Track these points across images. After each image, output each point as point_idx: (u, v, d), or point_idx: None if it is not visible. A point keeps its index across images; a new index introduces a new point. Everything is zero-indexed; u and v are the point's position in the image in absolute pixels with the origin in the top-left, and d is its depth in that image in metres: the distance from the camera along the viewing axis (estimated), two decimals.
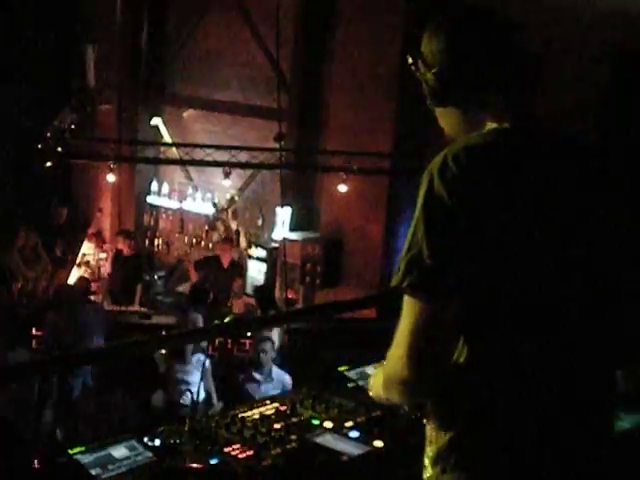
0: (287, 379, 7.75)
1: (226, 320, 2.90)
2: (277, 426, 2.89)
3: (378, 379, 2.14)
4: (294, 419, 2.96)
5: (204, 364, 7.72)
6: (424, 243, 1.84)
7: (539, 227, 1.87)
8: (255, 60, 12.64)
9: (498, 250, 1.84)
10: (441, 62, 2.06)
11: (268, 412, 3.00)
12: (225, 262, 11.74)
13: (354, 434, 2.85)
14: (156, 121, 13.93)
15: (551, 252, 1.88)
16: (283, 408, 3.04)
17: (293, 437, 2.80)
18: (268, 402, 3.09)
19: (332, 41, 11.40)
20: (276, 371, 7.81)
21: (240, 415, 2.95)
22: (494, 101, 2.03)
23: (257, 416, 2.96)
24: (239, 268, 12.00)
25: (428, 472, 2.02)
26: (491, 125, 2.02)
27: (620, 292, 2.01)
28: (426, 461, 2.04)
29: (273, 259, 11.87)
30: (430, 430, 2.02)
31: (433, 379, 1.91)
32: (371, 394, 2.26)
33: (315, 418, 2.95)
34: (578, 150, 2.03)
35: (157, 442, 2.68)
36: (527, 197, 1.87)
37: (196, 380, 7.32)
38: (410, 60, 2.15)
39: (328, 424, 2.90)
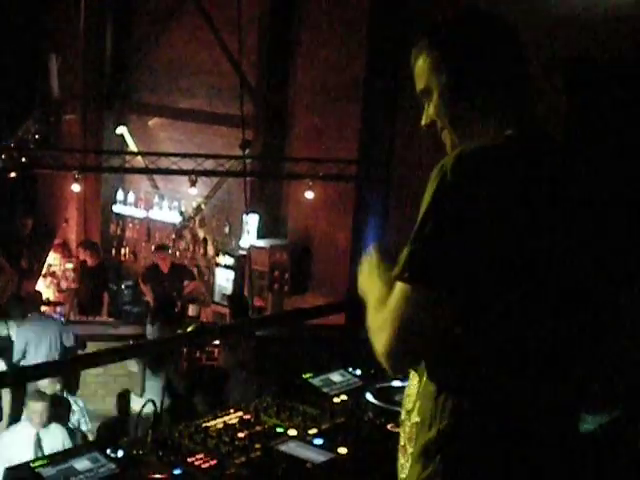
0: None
1: (189, 329, 2.88)
2: (241, 435, 2.88)
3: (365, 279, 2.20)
4: (258, 427, 2.95)
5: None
6: (432, 236, 1.87)
7: (547, 231, 1.92)
8: (220, 68, 12.62)
9: (504, 249, 1.88)
10: (466, 50, 2.08)
11: (232, 421, 2.99)
12: (164, 269, 11.69)
13: (318, 441, 2.85)
14: (121, 130, 13.89)
15: (555, 258, 1.93)
16: (247, 417, 3.04)
17: (257, 446, 2.80)
18: (232, 411, 3.09)
19: (297, 47, 11.42)
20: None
21: (203, 425, 2.94)
22: (500, 106, 2.08)
23: (221, 425, 2.95)
24: (183, 271, 11.94)
25: (406, 471, 2.04)
26: (496, 131, 2.05)
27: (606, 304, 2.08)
28: (404, 459, 2.06)
29: (241, 267, 11.85)
30: (411, 428, 2.04)
31: (410, 362, 2.02)
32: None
33: (279, 426, 2.95)
34: (573, 157, 2.08)
35: (120, 453, 2.67)
36: (538, 201, 1.91)
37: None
38: (428, 45, 2.12)
39: (292, 432, 2.90)
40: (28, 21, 13.88)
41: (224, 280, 12.09)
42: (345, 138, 10.80)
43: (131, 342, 7.80)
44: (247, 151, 11.58)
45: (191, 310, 11.66)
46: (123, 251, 13.62)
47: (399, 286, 1.89)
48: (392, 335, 1.88)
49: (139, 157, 12.77)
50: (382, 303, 1.97)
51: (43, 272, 13.50)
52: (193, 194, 12.16)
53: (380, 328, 1.93)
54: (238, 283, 11.77)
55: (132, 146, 13.91)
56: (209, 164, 11.00)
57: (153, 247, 12.60)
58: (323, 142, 10.98)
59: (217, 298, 12.11)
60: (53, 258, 13.86)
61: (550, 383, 1.97)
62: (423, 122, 2.18)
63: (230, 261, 12.09)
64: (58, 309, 11.88)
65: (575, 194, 2.00)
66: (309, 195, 10.74)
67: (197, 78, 13.07)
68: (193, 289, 12.01)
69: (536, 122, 2.12)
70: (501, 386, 1.93)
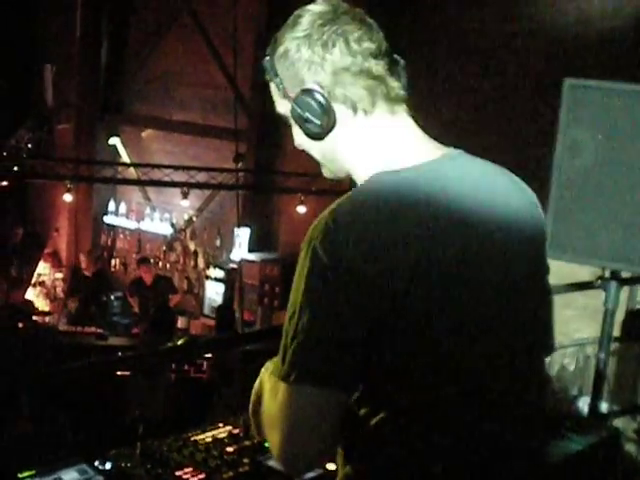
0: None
1: (180, 342, 2.88)
2: (230, 449, 2.87)
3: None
4: (247, 442, 2.94)
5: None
6: (314, 329, 1.58)
7: (445, 296, 1.64)
8: (215, 81, 12.64)
9: (394, 321, 1.60)
10: (310, 68, 1.77)
11: (221, 435, 2.98)
12: (148, 282, 11.69)
13: None
14: (114, 141, 13.89)
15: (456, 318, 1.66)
16: (236, 431, 3.02)
17: (246, 460, 2.79)
18: (221, 425, 3.08)
19: None
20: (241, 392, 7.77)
21: (192, 438, 2.93)
22: (374, 121, 1.78)
23: (210, 439, 2.94)
24: (166, 284, 11.93)
25: None
26: (373, 164, 1.77)
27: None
28: None
29: (231, 280, 11.84)
30: None
31: (308, 464, 1.75)
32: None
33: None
34: (482, 186, 1.77)
35: (108, 466, 2.65)
36: (423, 261, 1.60)
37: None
38: (272, 79, 1.87)
39: None
40: (23, 29, 13.89)
41: (214, 293, 12.08)
42: None
43: (120, 354, 7.77)
44: (240, 164, 11.59)
45: (180, 322, 11.63)
46: (113, 262, 13.60)
47: (281, 386, 1.62)
48: (282, 438, 1.64)
49: (131, 168, 12.77)
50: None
51: (32, 281, 13.46)
52: (185, 206, 12.17)
53: (271, 426, 1.70)
54: (228, 296, 11.76)
55: (125, 157, 13.90)
56: (202, 177, 11.01)
57: (136, 260, 12.60)
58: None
59: (207, 311, 12.10)
60: (43, 267, 13.83)
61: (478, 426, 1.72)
62: (296, 145, 1.90)
63: (220, 274, 12.08)
64: (47, 319, 11.85)
65: (477, 223, 1.70)
66: (301, 210, 10.76)
67: (191, 90, 13.09)
68: (177, 303, 12.01)
69: (414, 139, 1.79)
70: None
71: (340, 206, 1.65)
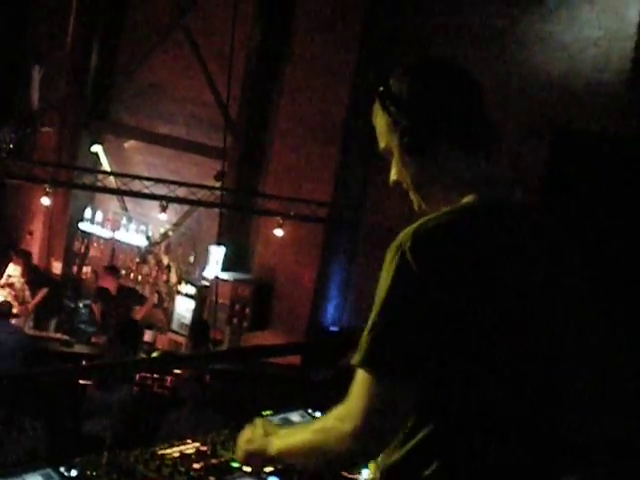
0: (208, 419, 7.65)
1: (154, 355, 2.86)
2: (196, 466, 2.84)
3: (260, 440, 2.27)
4: (214, 460, 2.91)
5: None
6: (392, 323, 1.80)
7: (509, 318, 1.84)
8: (202, 97, 12.65)
9: (466, 335, 1.81)
10: (418, 106, 1.98)
11: (188, 451, 2.95)
12: (112, 290, 11.65)
13: (274, 479, 2.82)
14: (96, 148, 13.84)
15: (515, 343, 1.87)
16: (204, 448, 3.00)
17: (212, 478, 2.77)
18: (189, 441, 3.05)
19: (281, 85, 11.48)
20: (197, 411, 7.70)
21: (160, 452, 2.90)
22: (460, 169, 1.99)
23: (177, 454, 2.91)
24: (131, 295, 11.89)
25: None
26: (458, 198, 1.97)
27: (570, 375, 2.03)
28: None
29: (202, 297, 11.80)
30: None
31: (377, 453, 1.93)
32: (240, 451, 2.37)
33: (235, 461, 2.92)
34: (546, 229, 2.02)
35: (74, 473, 2.62)
36: (499, 284, 1.83)
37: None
38: (381, 105, 2.05)
39: (248, 468, 2.87)
40: (14, 28, 13.85)
41: (184, 309, 12.01)
42: (320, 180, 10.84)
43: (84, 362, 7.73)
44: (221, 182, 11.58)
45: (147, 336, 11.55)
46: (85, 269, 13.50)
47: (362, 375, 1.83)
48: (362, 423, 1.82)
49: (111, 177, 12.72)
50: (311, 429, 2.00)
51: (1, 283, 13.31)
52: (162, 220, 12.12)
53: (342, 420, 1.87)
54: (198, 313, 11.70)
55: (106, 165, 13.85)
56: (181, 191, 10.98)
57: (145, 269, 12.59)
58: (297, 181, 11.01)
59: (175, 326, 12.02)
60: (13, 269, 13.68)
61: (524, 449, 1.91)
62: (391, 180, 2.10)
63: (192, 290, 12.02)
64: (13, 321, 11.72)
65: (542, 262, 1.93)
66: (279, 233, 10.75)
67: (178, 105, 13.08)
68: (145, 316, 11.94)
69: (500, 185, 2.03)
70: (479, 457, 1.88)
71: (433, 221, 1.86)
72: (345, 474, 2.92)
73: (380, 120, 2.06)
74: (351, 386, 1.87)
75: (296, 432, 2.13)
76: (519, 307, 1.85)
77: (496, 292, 1.82)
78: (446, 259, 1.79)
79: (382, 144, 2.08)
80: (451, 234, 1.83)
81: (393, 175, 2.08)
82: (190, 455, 2.93)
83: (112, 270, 12.11)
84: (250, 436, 2.35)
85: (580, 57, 8.94)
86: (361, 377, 1.83)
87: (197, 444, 3.03)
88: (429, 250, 1.80)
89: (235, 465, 2.89)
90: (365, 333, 1.82)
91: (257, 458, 2.33)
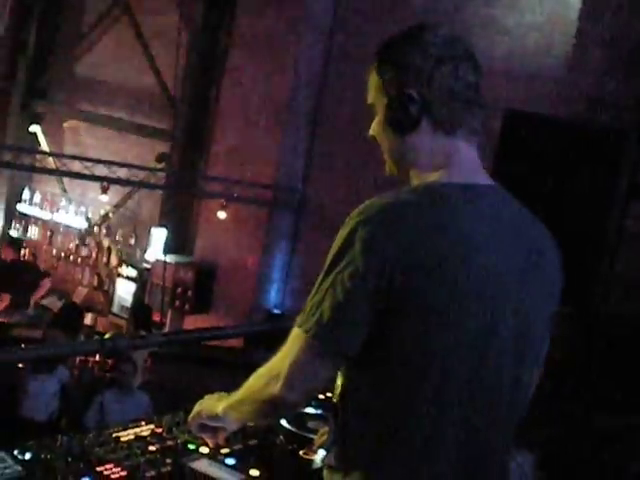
0: (146, 401, 7.60)
1: (106, 336, 2.82)
2: (152, 448, 2.81)
3: (210, 401, 2.37)
4: (170, 442, 2.89)
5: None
6: (335, 292, 1.81)
7: (468, 300, 1.81)
8: (143, 78, 12.51)
9: (409, 316, 1.80)
10: (412, 81, 1.94)
11: (143, 433, 2.92)
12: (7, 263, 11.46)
13: (230, 461, 2.81)
14: (35, 128, 13.61)
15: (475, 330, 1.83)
16: (159, 430, 2.97)
17: (168, 460, 2.74)
18: (144, 423, 3.02)
19: (224, 66, 11.39)
20: (137, 393, 7.65)
21: (114, 435, 2.87)
22: (442, 139, 1.96)
23: (132, 437, 2.88)
24: (26, 269, 11.69)
25: None
26: (427, 175, 1.96)
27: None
28: None
29: (143, 280, 11.70)
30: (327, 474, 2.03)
31: (303, 400, 2.00)
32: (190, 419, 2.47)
33: (191, 442, 2.89)
34: (509, 211, 1.98)
35: (27, 456, 2.58)
36: (447, 267, 1.78)
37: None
38: (376, 67, 2.02)
39: (204, 449, 2.85)
40: None
41: (125, 292, 11.91)
42: (264, 162, 10.80)
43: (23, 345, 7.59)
44: (163, 164, 11.47)
45: (88, 319, 11.42)
46: (23, 252, 13.28)
47: (297, 333, 1.89)
48: (288, 371, 1.90)
49: (50, 158, 12.53)
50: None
51: None
52: (102, 201, 11.98)
53: (283, 358, 1.93)
54: (139, 296, 11.60)
55: (44, 146, 13.64)
56: (122, 173, 10.85)
57: (84, 251, 12.45)
58: (241, 163, 10.95)
59: (116, 309, 11.92)
60: None
61: (476, 432, 1.90)
62: (369, 133, 2.08)
63: (133, 273, 11.92)
64: None
65: (501, 245, 1.88)
66: (222, 215, 10.69)
67: (119, 85, 12.92)
68: (85, 299, 11.81)
69: (471, 168, 1.98)
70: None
71: (391, 199, 1.85)
72: (302, 454, 2.92)
73: (371, 78, 2.04)
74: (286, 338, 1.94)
75: (239, 389, 2.18)
76: (468, 289, 1.81)
77: (443, 274, 1.78)
78: (394, 237, 1.77)
79: (369, 99, 2.06)
80: (403, 212, 1.81)
81: (371, 131, 2.07)
82: (145, 437, 2.90)
83: (12, 242, 11.90)
84: (202, 402, 2.44)
85: (523, 41, 9.03)
86: (295, 334, 1.89)
87: (152, 426, 3.00)
88: (380, 230, 1.78)
89: (191, 447, 2.88)
90: (310, 297, 1.87)
91: (206, 421, 2.41)
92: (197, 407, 2.45)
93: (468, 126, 1.97)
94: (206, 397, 2.43)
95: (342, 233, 1.83)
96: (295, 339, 1.89)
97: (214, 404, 2.32)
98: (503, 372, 1.90)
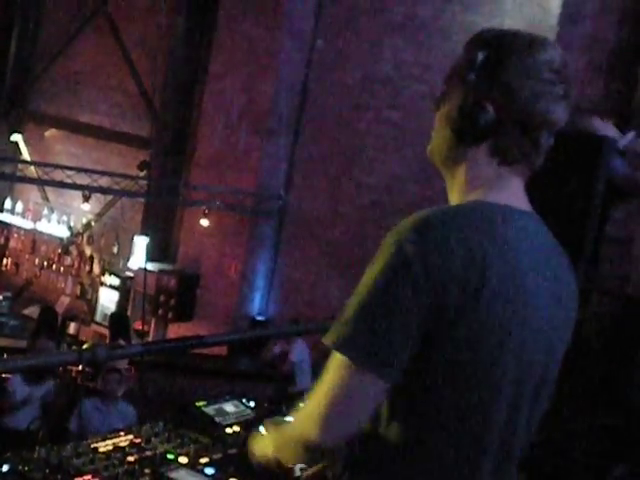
0: (131, 411, 7.57)
1: (85, 346, 2.81)
2: (131, 459, 2.80)
3: (264, 441, 2.10)
4: (148, 452, 2.87)
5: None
6: (383, 312, 1.66)
7: (509, 325, 1.73)
8: (124, 86, 12.49)
9: (458, 336, 1.69)
10: (503, 97, 1.76)
11: (122, 444, 2.91)
12: None
13: (209, 471, 2.80)
14: (16, 137, 13.57)
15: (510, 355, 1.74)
16: (138, 440, 2.96)
17: (147, 471, 2.72)
18: (122, 434, 3.00)
19: (205, 74, 11.39)
20: (121, 403, 7.62)
21: (93, 445, 2.86)
22: (494, 167, 1.82)
23: (110, 447, 2.87)
24: None
25: None
26: (470, 192, 1.83)
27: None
28: None
29: (126, 288, 11.67)
30: None
31: (340, 443, 1.80)
32: (255, 457, 2.19)
33: (170, 452, 2.88)
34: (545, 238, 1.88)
35: (5, 468, 2.56)
36: (497, 290, 1.69)
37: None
38: (466, 70, 1.82)
39: (183, 459, 2.84)
40: None
41: (107, 300, 11.87)
42: (245, 169, 10.80)
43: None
44: (144, 172, 11.45)
45: (71, 328, 11.40)
46: (5, 261, 13.25)
47: (339, 360, 1.68)
48: (330, 409, 1.70)
49: (32, 167, 12.49)
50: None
51: None
52: (84, 210, 11.96)
53: (311, 410, 1.75)
54: (122, 305, 11.57)
55: (26, 155, 13.59)
56: (104, 181, 10.83)
57: (67, 260, 12.42)
58: (223, 171, 10.95)
59: (99, 318, 11.88)
60: None
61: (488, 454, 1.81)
62: (433, 109, 1.91)
63: (116, 282, 11.89)
64: None
65: (539, 272, 1.80)
66: (204, 222, 10.68)
67: (100, 93, 12.89)
68: (68, 308, 11.78)
69: (513, 190, 1.85)
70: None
71: (435, 216, 1.72)
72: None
73: (458, 67, 1.86)
74: (324, 369, 1.75)
75: (285, 425, 2.00)
76: (514, 314, 1.73)
77: (493, 302, 1.69)
78: (445, 257, 1.66)
79: (445, 83, 1.90)
80: (453, 235, 1.68)
81: (436, 113, 1.91)
82: (124, 447, 2.89)
83: None
84: (256, 441, 2.23)
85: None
86: (337, 362, 1.69)
87: (131, 436, 2.99)
88: (427, 246, 1.66)
89: (170, 457, 2.87)
90: (349, 313, 1.69)
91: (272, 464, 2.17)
92: (253, 446, 2.25)
93: (529, 163, 1.83)
94: (257, 435, 2.23)
95: (387, 250, 1.69)
96: (338, 368, 1.69)
97: (266, 446, 2.10)
98: (525, 412, 1.85)
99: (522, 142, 1.79)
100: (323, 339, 1.71)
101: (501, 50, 1.78)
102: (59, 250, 12.83)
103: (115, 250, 12.37)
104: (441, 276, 1.66)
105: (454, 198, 1.87)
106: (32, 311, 11.77)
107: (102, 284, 12.09)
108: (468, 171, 1.84)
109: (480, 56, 1.80)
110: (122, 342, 8.81)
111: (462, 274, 1.67)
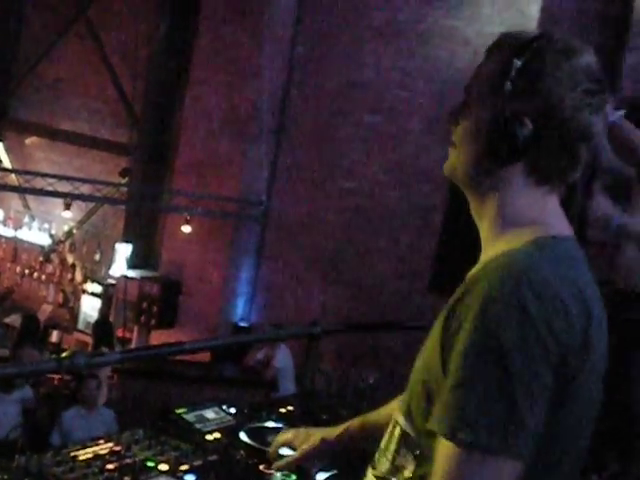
0: (111, 414, 7.54)
1: (65, 354, 2.80)
2: (110, 466, 2.78)
3: None
4: (128, 460, 2.85)
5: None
6: (506, 386, 1.41)
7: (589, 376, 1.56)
8: (105, 93, 12.46)
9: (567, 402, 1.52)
10: (545, 107, 1.55)
11: (102, 452, 2.89)
12: None
13: (190, 478, 2.78)
14: None
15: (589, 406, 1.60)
16: (118, 448, 2.94)
17: (127, 478, 2.71)
18: (102, 441, 2.99)
19: (186, 80, 11.38)
20: (101, 407, 7.59)
21: (72, 453, 2.84)
22: (530, 193, 1.62)
23: (90, 455, 2.85)
24: None
25: None
26: (541, 227, 1.61)
27: None
28: None
29: (109, 295, 11.63)
30: None
31: None
32: None
33: (150, 460, 2.87)
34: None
35: None
36: (589, 339, 1.53)
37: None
38: (499, 75, 1.59)
39: (163, 467, 2.83)
40: None
41: (90, 308, 11.83)
42: (227, 175, 10.79)
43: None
44: (126, 179, 11.43)
45: (53, 336, 11.35)
46: None
47: (453, 449, 1.41)
48: None
49: (12, 175, 12.44)
50: None
51: None
52: (66, 217, 11.91)
53: None
54: (105, 312, 11.53)
55: (6, 163, 13.54)
56: (86, 188, 10.79)
57: (49, 268, 12.38)
58: (204, 177, 10.94)
59: (81, 326, 11.83)
60: None
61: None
62: (449, 123, 1.67)
63: (98, 289, 11.85)
64: None
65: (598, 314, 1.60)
66: (186, 229, 10.66)
67: (81, 101, 12.86)
68: (50, 316, 11.74)
69: (563, 217, 1.67)
70: None
71: (538, 266, 1.51)
72: (262, 469, 2.91)
73: (489, 70, 1.64)
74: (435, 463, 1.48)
75: None
76: (592, 359, 1.56)
77: (586, 355, 1.53)
78: (567, 319, 1.47)
79: (469, 87, 1.67)
80: (564, 285, 1.50)
81: (454, 128, 1.66)
82: (104, 455, 2.87)
83: None
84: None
85: (483, 52, 9.08)
86: (450, 452, 1.42)
87: (110, 444, 2.97)
88: (547, 306, 1.45)
89: (150, 464, 2.85)
90: (460, 391, 1.43)
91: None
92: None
93: (566, 179, 1.65)
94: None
95: (498, 312, 1.44)
96: (453, 460, 1.42)
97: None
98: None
99: (561, 158, 1.59)
100: (436, 428, 1.46)
101: (539, 57, 1.56)
102: (41, 258, 12.78)
103: (97, 257, 12.33)
104: (567, 340, 1.47)
105: (486, 225, 1.65)
106: (14, 319, 11.71)
107: (84, 292, 12.04)
108: (503, 194, 1.62)
109: (517, 63, 1.57)
110: (104, 349, 8.79)
111: (581, 337, 1.50)
